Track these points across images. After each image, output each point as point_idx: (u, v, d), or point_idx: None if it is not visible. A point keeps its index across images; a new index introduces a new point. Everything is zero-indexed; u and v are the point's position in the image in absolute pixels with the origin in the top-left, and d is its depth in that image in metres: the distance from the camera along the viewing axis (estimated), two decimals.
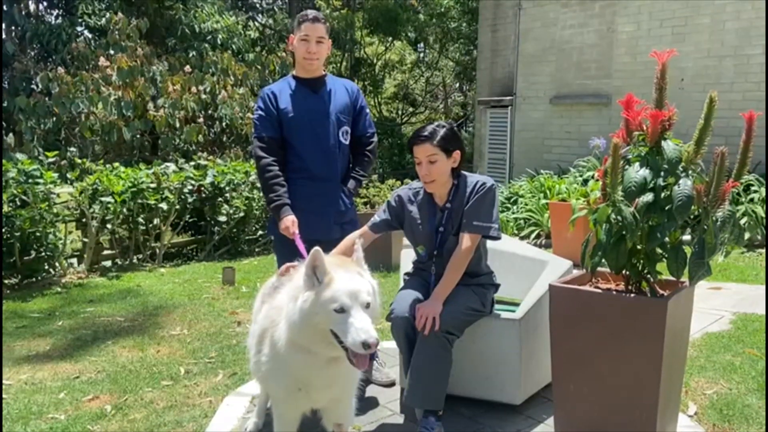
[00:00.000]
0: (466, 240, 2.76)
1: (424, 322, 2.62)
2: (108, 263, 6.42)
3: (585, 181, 7.87)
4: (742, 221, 6.68)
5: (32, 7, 13.76)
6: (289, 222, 2.98)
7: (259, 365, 2.24)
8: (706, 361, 3.58)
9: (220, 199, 6.96)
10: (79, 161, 7.51)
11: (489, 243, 3.00)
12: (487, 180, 2.85)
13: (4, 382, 3.41)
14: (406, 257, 3.24)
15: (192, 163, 7.33)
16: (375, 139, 3.30)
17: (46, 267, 5.78)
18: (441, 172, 2.76)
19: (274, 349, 2.13)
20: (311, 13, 3.11)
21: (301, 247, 2.86)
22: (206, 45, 12.64)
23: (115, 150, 9.29)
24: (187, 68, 9.64)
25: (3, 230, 5.20)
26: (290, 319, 2.02)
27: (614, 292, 2.45)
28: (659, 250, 2.36)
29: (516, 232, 7.77)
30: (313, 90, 3.14)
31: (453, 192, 2.83)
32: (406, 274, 3.10)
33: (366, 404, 3.02)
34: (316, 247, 2.01)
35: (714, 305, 4.71)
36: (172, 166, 6.93)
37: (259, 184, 5.33)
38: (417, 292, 2.81)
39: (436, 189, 2.82)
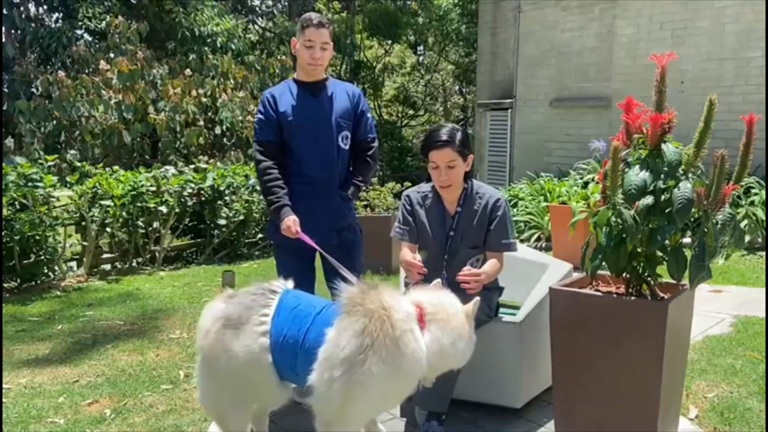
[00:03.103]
0: (500, 258, 2.84)
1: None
2: (107, 267, 6.41)
3: (585, 184, 7.86)
4: (743, 224, 6.68)
5: (32, 10, 13.77)
6: (290, 222, 2.96)
7: (353, 384, 2.09)
8: (706, 364, 3.57)
9: (219, 202, 6.96)
10: (79, 164, 7.51)
11: None
12: (499, 194, 2.88)
13: (3, 386, 3.40)
14: None
15: (192, 166, 7.33)
16: (376, 144, 3.26)
17: (46, 270, 5.76)
18: (458, 176, 2.77)
19: (403, 370, 2.13)
20: (315, 17, 3.05)
21: (310, 242, 2.87)
22: (206, 48, 12.64)
23: (115, 153, 9.29)
24: (187, 71, 9.65)
25: (3, 233, 5.20)
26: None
27: (614, 295, 2.45)
28: (659, 253, 2.35)
29: (516, 234, 7.76)
30: (314, 94, 3.12)
31: (463, 197, 2.84)
32: (406, 278, 3.10)
33: None
34: (478, 298, 2.27)
35: (714, 308, 4.70)
36: (171, 170, 6.92)
37: (259, 188, 5.32)
38: None
39: (451, 193, 2.83)
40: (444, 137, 2.73)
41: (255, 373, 2.29)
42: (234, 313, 2.32)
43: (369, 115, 3.26)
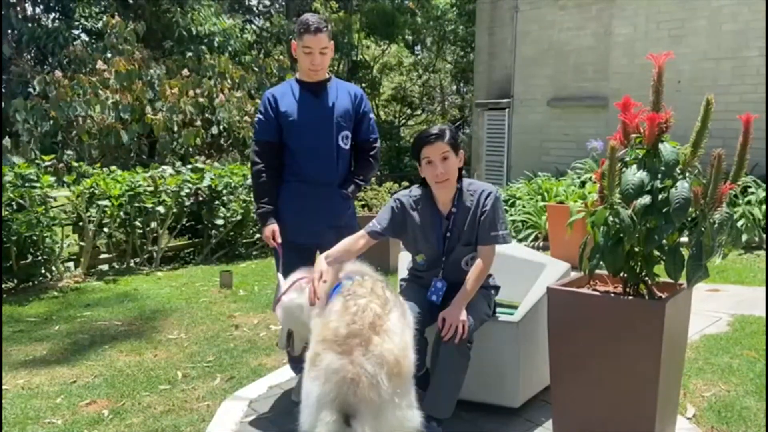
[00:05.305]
0: (487, 251, 2.78)
1: (453, 330, 2.58)
2: (105, 267, 6.39)
3: (583, 184, 7.87)
4: (740, 223, 6.69)
5: (29, 10, 13.73)
6: (269, 231, 3.03)
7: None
8: (704, 363, 3.58)
9: (217, 202, 6.95)
10: (76, 165, 7.49)
11: None
12: (491, 188, 2.86)
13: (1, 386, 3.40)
14: (404, 260, 3.24)
15: (189, 166, 7.33)
16: (378, 144, 3.28)
17: (43, 271, 5.74)
18: (453, 170, 2.76)
19: None
20: (313, 22, 2.99)
21: (280, 253, 2.97)
22: (203, 48, 12.63)
23: (112, 153, 9.27)
24: (185, 71, 9.64)
25: (1, 234, 5.19)
26: None
27: (612, 295, 2.45)
28: (657, 253, 2.36)
29: (514, 234, 7.76)
30: (315, 94, 3.12)
31: (457, 196, 2.82)
32: (402, 280, 3.09)
33: None
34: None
35: (712, 307, 4.70)
36: (169, 170, 6.91)
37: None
38: (419, 302, 2.77)
39: (447, 189, 2.79)
40: (435, 132, 2.76)
41: None
42: None
43: (371, 115, 3.28)
